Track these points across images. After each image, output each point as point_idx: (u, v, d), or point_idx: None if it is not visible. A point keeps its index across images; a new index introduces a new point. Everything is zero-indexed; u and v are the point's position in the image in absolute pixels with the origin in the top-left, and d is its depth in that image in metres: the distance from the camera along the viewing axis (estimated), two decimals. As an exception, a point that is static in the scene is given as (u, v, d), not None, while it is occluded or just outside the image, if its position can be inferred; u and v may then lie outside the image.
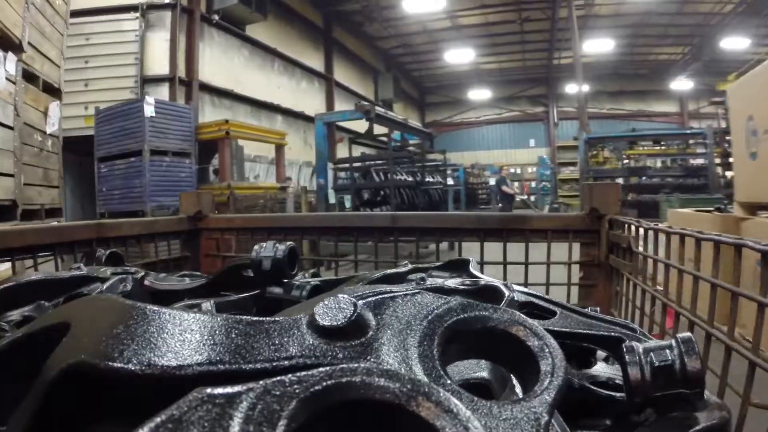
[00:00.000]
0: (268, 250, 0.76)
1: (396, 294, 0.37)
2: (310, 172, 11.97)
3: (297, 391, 0.22)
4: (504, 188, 12.73)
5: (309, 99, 13.38)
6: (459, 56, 18.78)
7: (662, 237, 0.81)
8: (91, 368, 0.30)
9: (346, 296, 0.33)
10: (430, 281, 0.66)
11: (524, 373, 0.34)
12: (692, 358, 0.42)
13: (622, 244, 0.98)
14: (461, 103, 23.29)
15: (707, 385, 0.43)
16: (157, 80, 8.83)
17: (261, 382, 0.23)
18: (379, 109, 7.65)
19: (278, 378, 0.23)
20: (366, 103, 7.42)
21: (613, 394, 0.50)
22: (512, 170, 20.50)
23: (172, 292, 0.82)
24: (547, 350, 0.33)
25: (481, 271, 0.72)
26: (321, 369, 0.24)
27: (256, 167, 10.85)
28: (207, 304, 0.69)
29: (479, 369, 0.46)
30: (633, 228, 0.93)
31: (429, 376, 0.31)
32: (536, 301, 0.58)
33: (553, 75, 21.03)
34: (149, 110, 7.33)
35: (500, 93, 22.60)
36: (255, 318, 0.34)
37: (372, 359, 0.31)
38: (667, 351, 0.42)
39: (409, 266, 0.79)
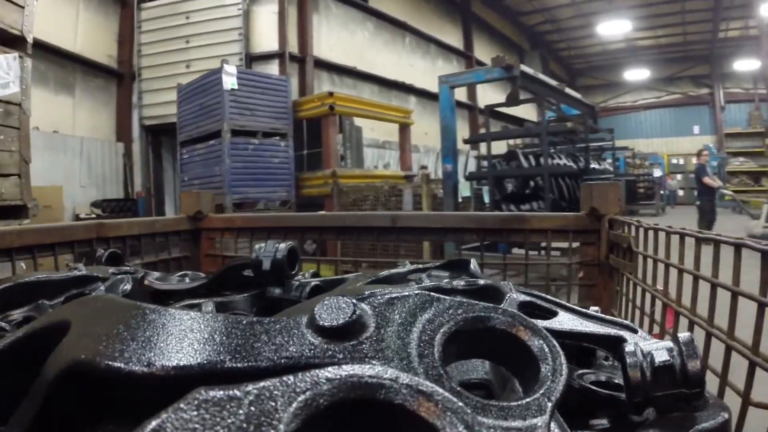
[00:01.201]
0: (268, 250, 0.76)
1: (396, 294, 0.37)
2: (450, 161, 10.61)
3: (297, 391, 0.22)
4: (706, 180, 9.33)
5: (446, 78, 11.17)
6: (612, 29, 16.36)
7: (661, 236, 0.81)
8: (91, 368, 0.30)
9: (345, 296, 0.33)
10: (430, 281, 0.66)
11: (524, 373, 0.34)
12: (692, 358, 0.42)
13: (622, 244, 0.98)
14: (615, 86, 20.53)
15: (707, 385, 0.43)
16: (266, 57, 7.84)
17: (261, 382, 0.23)
18: (526, 69, 5.62)
19: (278, 378, 0.23)
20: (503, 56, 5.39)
21: (613, 394, 0.50)
22: (674, 161, 18.47)
23: (172, 292, 0.82)
24: (547, 350, 0.33)
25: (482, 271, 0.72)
26: (321, 369, 0.24)
27: (386, 155, 9.66)
28: (207, 304, 0.69)
29: (479, 369, 0.46)
30: (633, 228, 0.93)
31: (429, 376, 0.31)
32: (536, 301, 0.58)
33: (718, 51, 18.18)
34: (229, 82, 5.88)
35: (658, 73, 19.93)
36: (255, 318, 0.34)
37: (372, 359, 0.31)
38: (667, 351, 0.42)
39: (409, 266, 0.79)
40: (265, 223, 1.41)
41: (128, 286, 0.69)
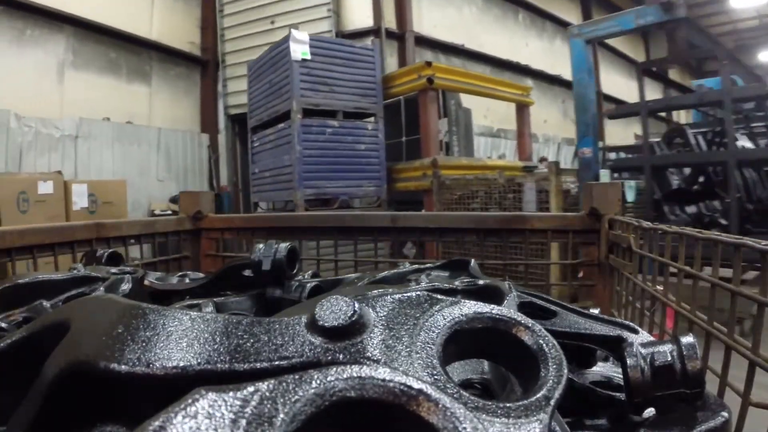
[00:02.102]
0: (268, 250, 0.76)
1: (396, 294, 0.37)
2: (572, 152, 8.89)
3: (297, 391, 0.22)
4: None
5: (565, 59, 8.07)
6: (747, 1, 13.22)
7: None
8: (91, 368, 0.30)
9: (345, 296, 0.33)
10: (430, 281, 0.66)
11: (524, 373, 0.34)
12: (692, 358, 0.42)
13: (622, 244, 0.98)
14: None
15: (707, 385, 0.43)
16: (359, 34, 6.89)
17: (261, 383, 0.23)
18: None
19: (278, 378, 0.23)
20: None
21: (613, 394, 0.50)
22: None
23: (172, 292, 0.82)
24: (547, 350, 0.33)
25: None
26: (321, 369, 0.24)
27: (501, 145, 8.73)
28: (207, 304, 0.69)
29: (479, 369, 0.46)
30: (633, 228, 0.93)
31: (429, 376, 0.31)
32: (536, 301, 0.58)
33: None
34: (299, 50, 4.73)
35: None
36: (255, 318, 0.34)
37: (372, 360, 0.31)
38: (667, 351, 0.42)
39: (409, 266, 0.79)
40: (265, 223, 1.41)
41: (128, 286, 0.69)
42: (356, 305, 0.33)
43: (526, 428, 0.28)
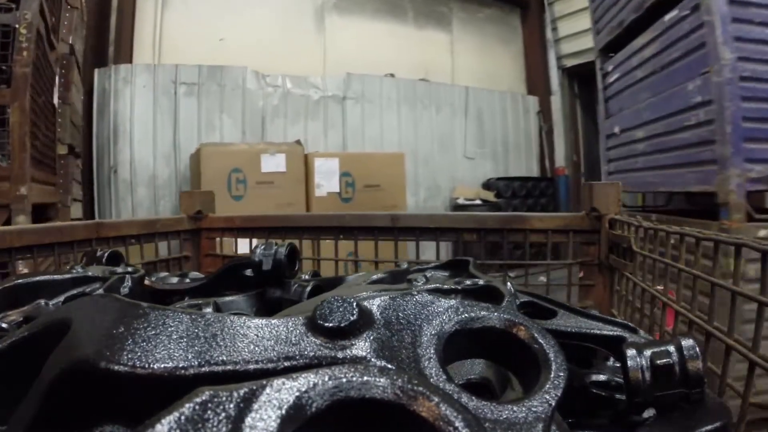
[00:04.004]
0: (268, 250, 0.76)
1: (396, 294, 0.37)
2: None
3: (297, 390, 0.22)
4: None
5: None
6: None
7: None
8: (92, 368, 0.30)
9: (346, 296, 0.33)
10: (430, 281, 0.66)
11: (524, 373, 0.34)
12: (693, 358, 0.42)
13: (622, 244, 0.98)
14: None
15: (707, 385, 0.43)
16: None
17: (261, 383, 0.23)
18: None
19: (278, 378, 0.23)
20: None
21: (613, 394, 0.50)
22: None
23: (172, 291, 0.82)
24: (547, 350, 0.33)
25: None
26: (321, 370, 0.24)
27: None
28: (207, 304, 0.69)
29: (479, 369, 0.46)
30: (633, 228, 0.93)
31: (429, 376, 0.31)
32: (536, 301, 0.58)
33: None
34: None
35: None
36: (255, 318, 0.34)
37: (372, 360, 0.31)
38: (668, 351, 0.42)
39: (409, 266, 0.79)
40: (265, 223, 1.41)
41: (128, 286, 0.69)
42: (356, 305, 0.33)
43: (527, 428, 0.28)
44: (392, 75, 5.05)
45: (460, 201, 5.00)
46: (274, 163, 3.48)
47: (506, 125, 5.69)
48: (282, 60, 4.60)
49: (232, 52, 4.41)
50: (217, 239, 1.46)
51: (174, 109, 4.26)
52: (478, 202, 4.97)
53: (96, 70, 4.13)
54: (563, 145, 5.73)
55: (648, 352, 0.43)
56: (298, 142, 3.89)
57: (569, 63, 5.40)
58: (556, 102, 5.74)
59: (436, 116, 5.27)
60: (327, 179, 3.66)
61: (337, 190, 3.71)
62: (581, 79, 5.37)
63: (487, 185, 5.33)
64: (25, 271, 0.99)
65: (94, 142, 4.16)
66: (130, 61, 4.27)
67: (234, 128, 4.41)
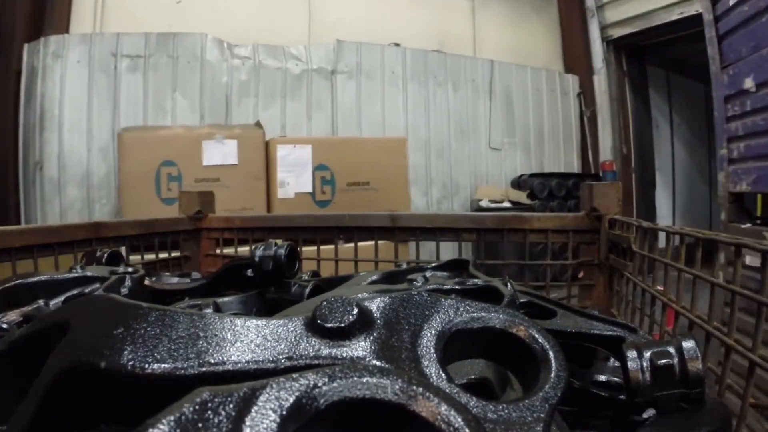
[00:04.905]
0: (268, 250, 0.76)
1: (396, 294, 0.37)
2: None
3: (297, 391, 0.22)
4: None
5: None
6: None
7: (662, 236, 0.81)
8: (91, 368, 0.30)
9: (346, 296, 0.33)
10: (429, 281, 0.66)
11: (524, 372, 0.34)
12: (693, 358, 0.42)
13: (622, 244, 0.98)
14: None
15: (707, 385, 0.43)
16: None
17: (260, 383, 0.23)
18: None
19: (278, 378, 0.23)
20: None
21: (613, 394, 0.50)
22: None
23: (172, 292, 0.82)
24: (547, 350, 0.33)
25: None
26: (321, 369, 0.24)
27: None
28: (207, 304, 0.69)
29: (479, 369, 0.46)
30: (633, 228, 0.93)
31: (429, 376, 0.31)
32: (536, 300, 0.58)
33: None
34: None
35: None
36: (255, 318, 0.34)
37: (372, 360, 0.31)
38: (668, 351, 0.42)
39: (409, 266, 0.79)
40: (265, 223, 1.41)
41: (128, 286, 0.69)
42: (356, 305, 0.33)
43: (527, 428, 0.28)
44: (397, 44, 4.00)
45: (484, 203, 4.00)
46: (221, 153, 2.52)
47: (540, 109, 4.59)
48: (253, 26, 3.63)
49: (191, 18, 3.48)
50: (217, 239, 1.46)
51: (114, 89, 3.34)
52: (506, 204, 3.98)
53: (26, 45, 3.25)
54: (610, 134, 4.64)
55: (648, 353, 0.43)
56: (257, 124, 2.80)
57: (616, 33, 4.35)
58: (601, 82, 4.60)
59: (454, 96, 4.19)
60: (295, 175, 2.66)
61: (310, 189, 2.71)
62: (631, 52, 4.35)
63: (517, 183, 4.30)
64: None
65: (21, 133, 3.31)
66: (67, 31, 3.35)
67: (190, 111, 3.42)
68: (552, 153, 4.67)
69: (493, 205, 3.93)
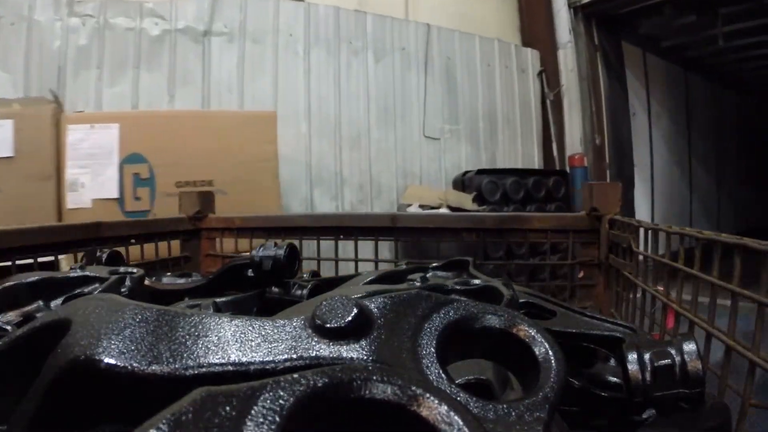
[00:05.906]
0: (268, 250, 0.76)
1: (396, 294, 0.37)
2: None
3: (297, 390, 0.22)
4: None
5: None
6: None
7: (662, 236, 0.81)
8: (92, 367, 0.30)
9: (346, 296, 0.33)
10: (429, 281, 0.66)
11: (524, 372, 0.34)
12: (693, 358, 0.42)
13: (622, 244, 0.98)
14: None
15: (707, 385, 0.43)
16: None
17: (260, 383, 0.23)
18: None
19: (278, 377, 0.23)
20: None
21: (613, 394, 0.50)
22: None
23: (172, 291, 0.82)
24: (547, 350, 0.33)
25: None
26: (321, 369, 0.24)
27: None
28: (207, 304, 0.69)
29: (479, 369, 0.46)
30: (633, 228, 0.93)
31: (429, 376, 0.31)
32: (536, 301, 0.58)
33: None
34: None
35: None
36: (255, 318, 0.34)
37: (372, 359, 0.31)
38: (668, 351, 0.42)
39: (409, 266, 0.79)
40: (265, 223, 1.41)
41: (128, 286, 0.69)
42: (356, 305, 0.33)
43: (526, 428, 0.28)
44: (364, 12, 3.13)
45: (413, 209, 2.95)
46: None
47: (492, 90, 3.61)
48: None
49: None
50: (217, 239, 1.46)
51: None
52: (443, 211, 2.88)
53: None
54: (579, 121, 3.74)
55: (648, 353, 0.43)
56: (55, 99, 2.06)
57: (584, -1, 3.38)
58: (568, 58, 3.73)
59: (376, 68, 3.17)
60: (92, 171, 1.85)
61: (115, 194, 1.92)
62: (604, 23, 3.49)
63: (461, 183, 3.28)
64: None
65: None
66: None
67: (12, 86, 2.40)
68: (506, 144, 3.73)
69: (425, 213, 2.75)
